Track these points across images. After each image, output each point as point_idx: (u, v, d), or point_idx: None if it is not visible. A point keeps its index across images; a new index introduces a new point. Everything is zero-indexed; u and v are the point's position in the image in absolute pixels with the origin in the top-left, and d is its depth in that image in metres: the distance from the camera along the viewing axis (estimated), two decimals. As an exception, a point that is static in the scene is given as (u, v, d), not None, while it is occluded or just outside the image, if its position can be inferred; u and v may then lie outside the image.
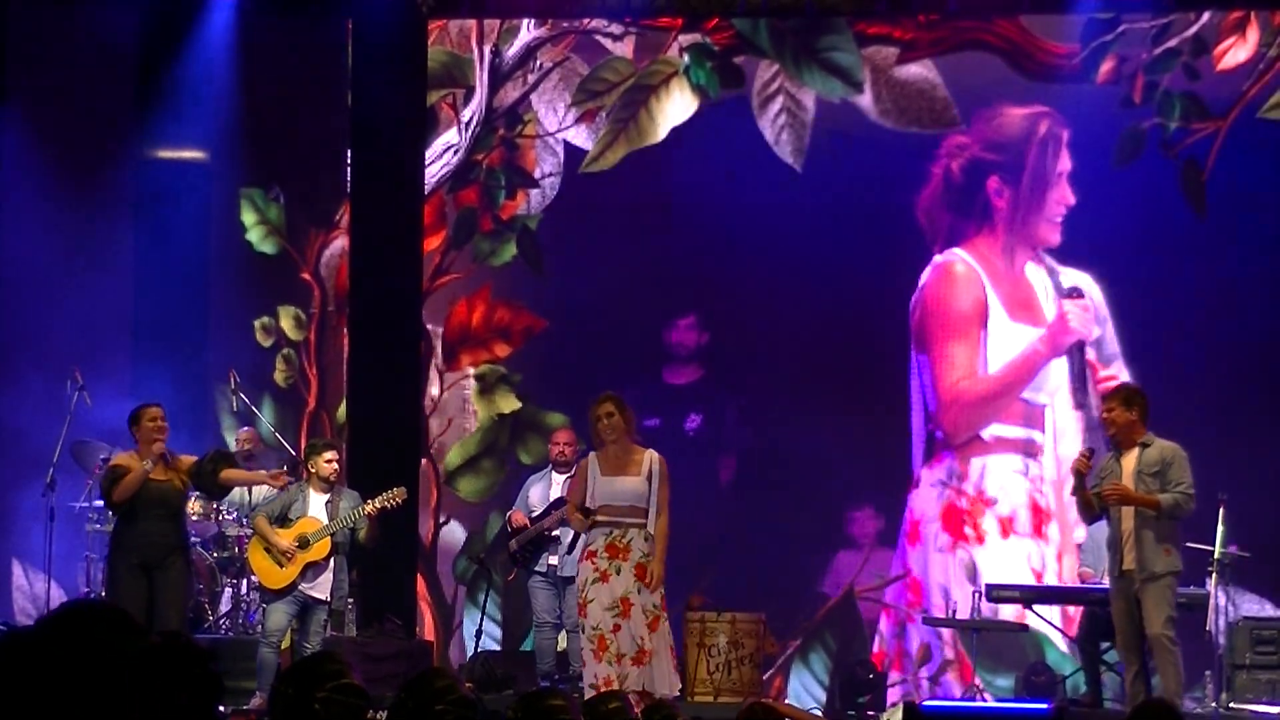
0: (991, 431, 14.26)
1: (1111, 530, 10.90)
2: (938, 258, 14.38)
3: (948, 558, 14.17)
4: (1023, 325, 14.25)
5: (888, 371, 14.42)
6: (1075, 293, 14.11)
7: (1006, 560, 13.98)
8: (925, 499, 14.29)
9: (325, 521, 11.82)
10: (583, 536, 10.77)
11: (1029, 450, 14.18)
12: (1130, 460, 10.83)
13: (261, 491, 13.20)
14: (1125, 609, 10.86)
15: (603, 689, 9.75)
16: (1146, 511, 10.72)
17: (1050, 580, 13.74)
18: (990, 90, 14.38)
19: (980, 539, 14.17)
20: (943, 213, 14.39)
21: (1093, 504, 10.92)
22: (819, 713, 13.26)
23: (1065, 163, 14.24)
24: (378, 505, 11.84)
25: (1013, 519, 14.13)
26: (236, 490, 13.56)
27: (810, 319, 14.37)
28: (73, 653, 2.78)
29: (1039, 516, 14.15)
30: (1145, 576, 10.74)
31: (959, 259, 14.37)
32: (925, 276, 14.38)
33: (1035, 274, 14.28)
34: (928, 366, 14.38)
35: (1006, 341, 14.27)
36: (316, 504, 11.93)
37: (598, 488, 10.52)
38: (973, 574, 13.95)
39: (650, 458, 10.53)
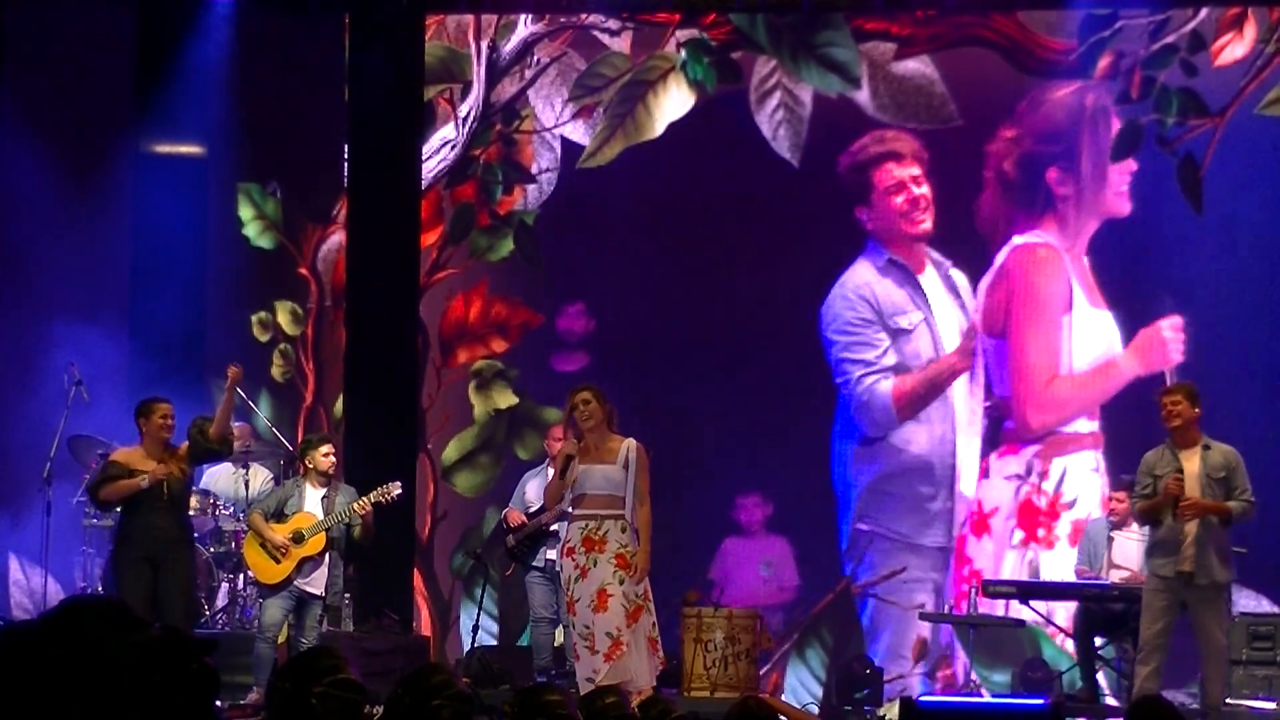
0: (1072, 426, 14.24)
1: (1166, 531, 10.73)
2: (1017, 239, 14.30)
3: (1020, 553, 14.13)
4: (1102, 310, 14.18)
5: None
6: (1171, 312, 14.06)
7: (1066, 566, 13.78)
8: (998, 491, 14.25)
9: (321, 516, 11.81)
10: (562, 530, 10.69)
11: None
12: (1194, 462, 10.67)
13: (257, 486, 13.20)
14: (1167, 609, 10.72)
15: (594, 685, 9.75)
16: (1211, 518, 10.65)
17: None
18: (987, 86, 14.37)
19: (1050, 543, 14.14)
20: (1003, 212, 14.34)
21: (1161, 513, 10.80)
22: (815, 709, 13.27)
23: (1108, 136, 14.23)
24: (372, 500, 11.83)
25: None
26: (233, 486, 13.58)
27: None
28: (72, 648, 2.78)
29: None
30: (1208, 583, 10.68)
31: (1041, 241, 14.30)
32: (1003, 258, 14.30)
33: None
34: (1003, 351, 14.29)
35: (1090, 330, 14.19)
36: (312, 499, 11.92)
37: (580, 477, 10.33)
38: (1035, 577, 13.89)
39: (628, 446, 10.32)
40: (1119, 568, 12.65)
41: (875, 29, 14.49)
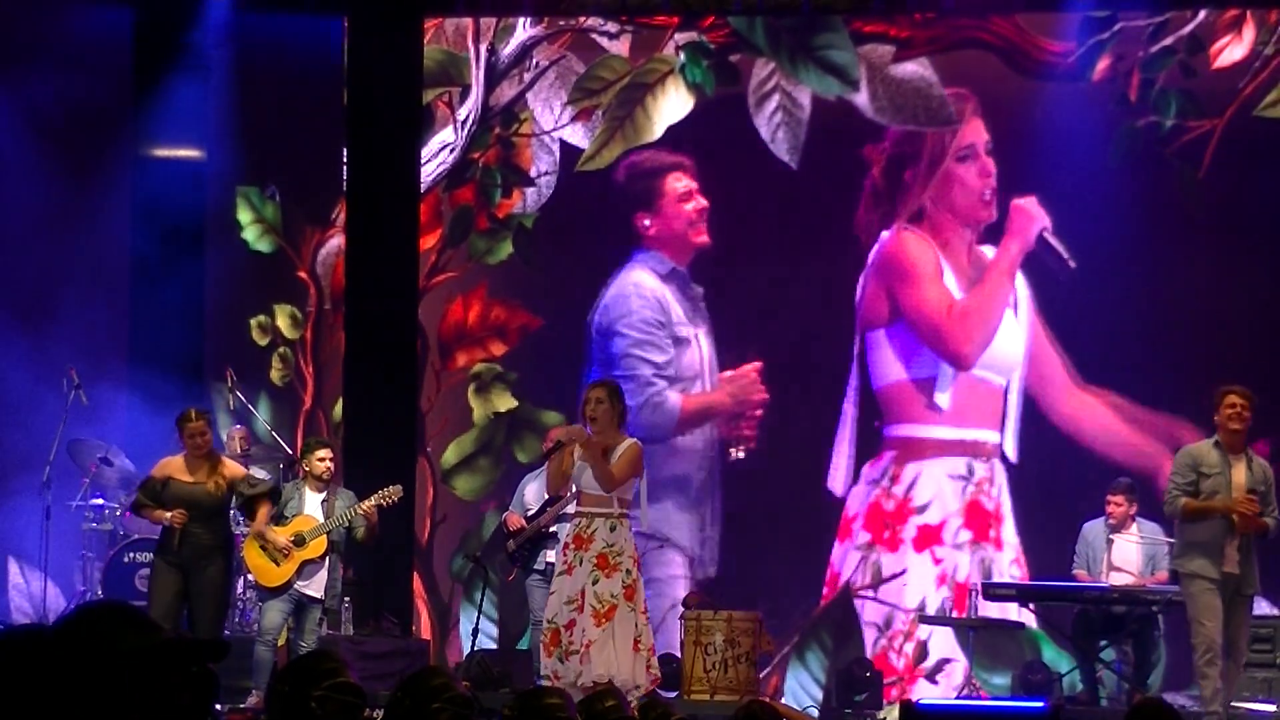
0: (935, 433, 14.28)
1: (1212, 531, 10.71)
2: (884, 234, 14.45)
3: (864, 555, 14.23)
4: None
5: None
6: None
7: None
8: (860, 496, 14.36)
9: (321, 520, 11.82)
10: (561, 531, 10.74)
11: (976, 452, 14.23)
12: (1240, 471, 10.67)
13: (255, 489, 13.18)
14: (1220, 609, 10.73)
15: (552, 684, 9.75)
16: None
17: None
18: (986, 88, 14.38)
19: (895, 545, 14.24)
20: (877, 221, 14.45)
21: (1211, 514, 10.78)
22: (815, 712, 13.26)
23: (980, 134, 14.29)
24: (373, 503, 11.83)
25: (941, 528, 14.13)
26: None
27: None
28: (85, 651, 2.78)
29: (984, 520, 14.18)
30: (1250, 591, 10.79)
31: (909, 231, 14.43)
32: (872, 255, 14.43)
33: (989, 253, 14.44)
34: (890, 336, 14.39)
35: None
36: (312, 502, 11.93)
37: (576, 472, 10.38)
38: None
39: (624, 444, 10.33)
40: (1119, 570, 12.64)
41: (874, 31, 14.50)
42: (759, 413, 14.47)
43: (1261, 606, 13.22)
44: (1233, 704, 11.65)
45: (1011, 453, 14.21)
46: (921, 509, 14.23)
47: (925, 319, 14.36)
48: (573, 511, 10.53)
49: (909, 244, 14.45)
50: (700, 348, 14.54)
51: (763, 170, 14.50)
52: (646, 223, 14.60)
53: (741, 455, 14.50)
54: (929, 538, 14.12)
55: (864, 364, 14.42)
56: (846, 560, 14.26)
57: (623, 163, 14.62)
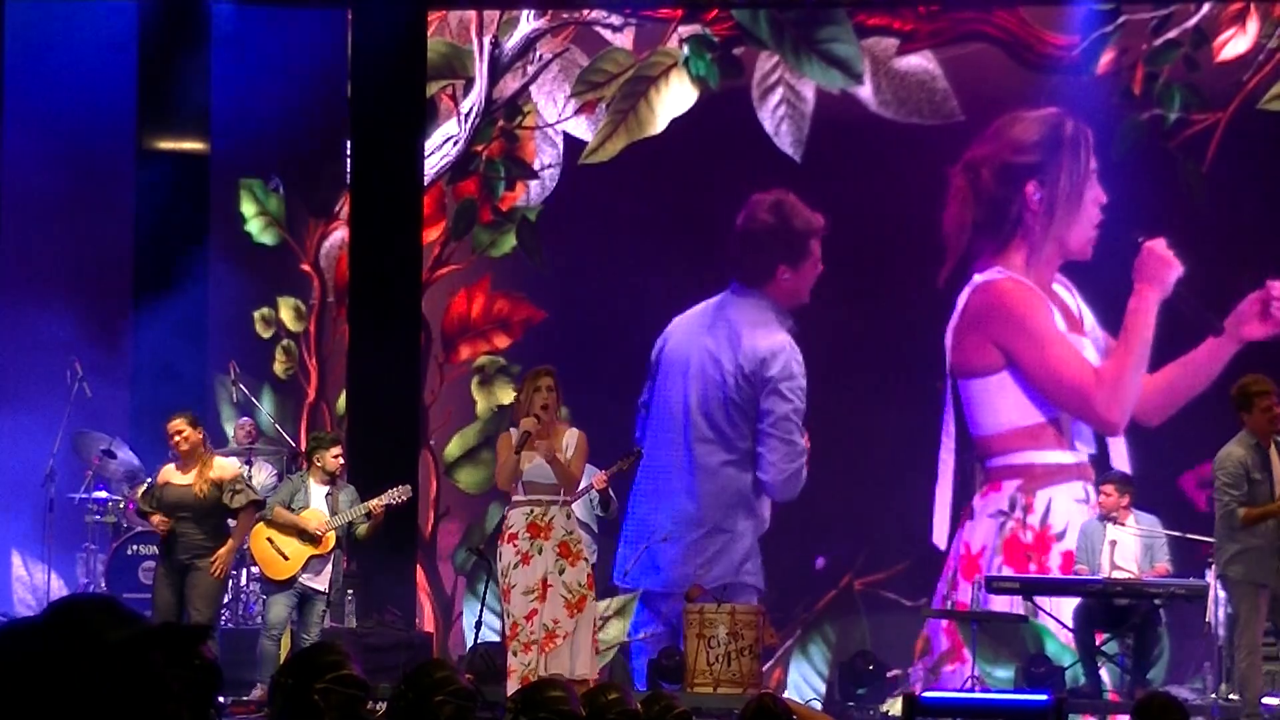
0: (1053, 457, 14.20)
1: (1267, 534, 10.52)
2: (978, 278, 14.29)
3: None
4: (1079, 336, 14.21)
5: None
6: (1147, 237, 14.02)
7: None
8: (984, 529, 14.20)
9: (326, 514, 11.83)
10: (506, 516, 10.39)
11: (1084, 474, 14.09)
12: (1277, 465, 10.54)
13: (260, 482, 13.19)
14: (1265, 612, 10.59)
15: (509, 679, 9.69)
16: None
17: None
18: (990, 82, 14.37)
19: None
20: (969, 226, 14.32)
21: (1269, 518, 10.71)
22: (818, 705, 13.27)
23: (1094, 162, 14.19)
24: (382, 503, 11.83)
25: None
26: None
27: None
28: (68, 644, 2.78)
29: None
30: None
31: (1003, 275, 14.28)
32: (964, 300, 14.29)
33: (1061, 292, 14.27)
34: (999, 387, 14.24)
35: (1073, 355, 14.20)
36: (318, 496, 11.94)
37: (523, 464, 10.14)
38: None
39: (572, 434, 10.23)
40: (1120, 569, 12.63)
41: (877, 25, 14.48)
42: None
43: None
44: (1235, 696, 11.65)
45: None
46: (1059, 536, 14.11)
47: (1065, 385, 14.10)
48: (520, 498, 10.22)
49: (1008, 289, 14.22)
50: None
51: (767, 163, 14.49)
52: (786, 276, 14.49)
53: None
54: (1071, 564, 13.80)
55: (959, 411, 14.24)
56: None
57: (774, 199, 14.42)
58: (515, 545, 10.09)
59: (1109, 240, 14.08)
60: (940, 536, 14.16)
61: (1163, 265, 13.96)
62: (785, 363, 14.37)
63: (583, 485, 11.52)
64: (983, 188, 14.28)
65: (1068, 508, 13.99)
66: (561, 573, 9.99)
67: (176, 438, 11.28)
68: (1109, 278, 14.09)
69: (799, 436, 14.35)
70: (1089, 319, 14.17)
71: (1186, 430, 13.60)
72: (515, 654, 10.05)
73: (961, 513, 14.21)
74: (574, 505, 10.33)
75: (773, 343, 14.40)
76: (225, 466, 11.55)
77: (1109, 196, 14.08)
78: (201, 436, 11.44)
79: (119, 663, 2.73)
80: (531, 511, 10.11)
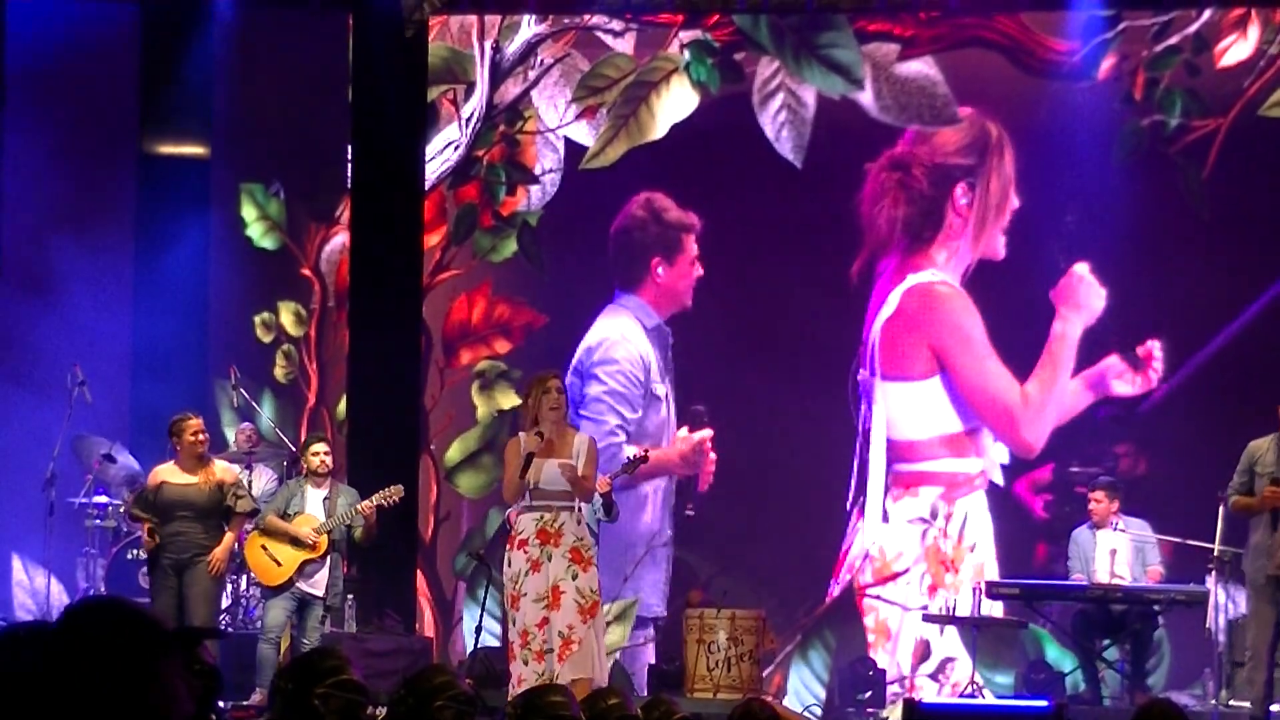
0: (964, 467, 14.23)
1: (1261, 530, 10.63)
2: (913, 279, 14.29)
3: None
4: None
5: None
6: (1071, 264, 14.07)
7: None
8: (902, 536, 14.23)
9: (322, 518, 11.84)
10: (514, 519, 10.20)
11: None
12: None
13: (260, 487, 13.19)
14: (1270, 615, 10.59)
15: (517, 689, 9.37)
16: None
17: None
18: (991, 88, 14.38)
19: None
20: (894, 221, 14.34)
21: (1254, 511, 10.66)
22: (818, 711, 13.27)
23: (1010, 163, 14.23)
24: (374, 503, 11.83)
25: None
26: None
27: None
28: (80, 646, 2.79)
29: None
30: None
31: (938, 279, 14.29)
32: (897, 299, 14.28)
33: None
34: (922, 391, 14.26)
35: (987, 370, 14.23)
36: (314, 500, 11.94)
37: (534, 469, 9.95)
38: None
39: (581, 439, 10.10)
40: (1117, 578, 12.62)
41: (878, 30, 14.49)
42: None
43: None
44: (1235, 703, 11.66)
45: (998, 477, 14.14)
46: (973, 548, 14.12)
47: (993, 400, 14.15)
48: (529, 504, 10.03)
49: (945, 294, 14.25)
50: (668, 405, 14.50)
51: (768, 169, 14.49)
52: (660, 270, 14.54)
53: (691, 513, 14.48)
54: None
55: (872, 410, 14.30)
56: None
57: (649, 202, 14.51)
58: (525, 552, 9.93)
59: (1022, 250, 14.13)
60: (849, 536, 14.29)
61: (1090, 292, 14.00)
62: (607, 348, 14.50)
63: None
64: (914, 186, 14.31)
65: (980, 519, 14.03)
66: (574, 579, 9.83)
67: (201, 435, 11.34)
68: (1018, 290, 14.12)
69: (611, 416, 14.38)
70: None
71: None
72: (526, 663, 9.83)
73: (854, 511, 14.22)
74: (579, 510, 10.18)
75: (602, 333, 14.55)
76: (228, 470, 11.63)
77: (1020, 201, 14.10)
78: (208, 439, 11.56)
79: (135, 666, 2.73)
80: (541, 518, 9.95)
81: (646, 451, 10.94)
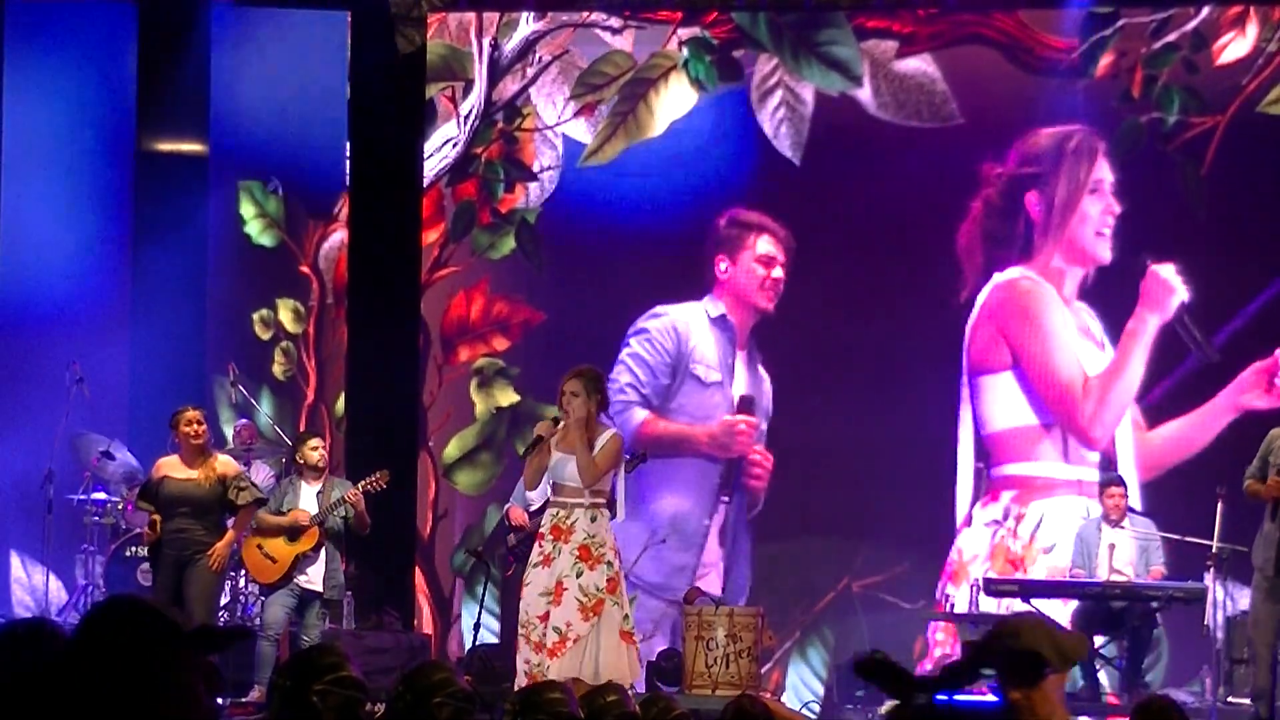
0: (1051, 471, 14.17)
1: (1269, 523, 10.62)
2: (998, 276, 14.31)
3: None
4: (1093, 345, 14.20)
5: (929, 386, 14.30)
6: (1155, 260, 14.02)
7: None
8: (978, 538, 14.20)
9: (314, 511, 11.86)
10: (511, 516, 10.16)
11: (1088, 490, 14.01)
12: None
13: (258, 482, 13.18)
14: (1272, 611, 10.56)
15: (526, 678, 9.47)
16: None
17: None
18: (989, 85, 14.38)
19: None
20: (980, 242, 14.30)
21: (1260, 498, 10.64)
22: (816, 708, 13.27)
23: (1105, 172, 14.16)
24: (360, 488, 11.84)
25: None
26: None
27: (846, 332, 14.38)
28: (105, 646, 2.80)
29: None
30: None
31: (1021, 275, 14.28)
32: (984, 297, 14.28)
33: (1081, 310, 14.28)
34: (1003, 386, 14.24)
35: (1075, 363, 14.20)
36: (307, 496, 11.96)
37: (553, 464, 9.96)
38: None
39: (606, 435, 9.95)
40: (1118, 573, 12.63)
41: (877, 27, 14.49)
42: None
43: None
44: (1234, 699, 11.67)
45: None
46: (1048, 550, 14.11)
47: (1055, 389, 14.14)
48: (551, 499, 10.04)
49: (1027, 288, 14.25)
50: (717, 396, 14.52)
51: (766, 166, 14.49)
52: (723, 267, 14.55)
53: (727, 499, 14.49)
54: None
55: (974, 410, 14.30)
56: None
57: (727, 212, 14.52)
58: (540, 546, 9.95)
59: (1117, 254, 14.09)
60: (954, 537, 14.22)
61: (1165, 291, 13.98)
62: (649, 320, 14.61)
63: None
64: (990, 202, 14.29)
65: (1061, 522, 13.96)
66: (579, 576, 9.76)
67: (197, 427, 11.24)
68: (1116, 292, 14.10)
69: (624, 374, 14.52)
70: (1097, 330, 14.18)
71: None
72: (532, 652, 9.80)
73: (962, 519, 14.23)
74: (599, 508, 10.10)
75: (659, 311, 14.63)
76: (229, 464, 11.53)
77: (1121, 207, 14.10)
78: (207, 430, 11.49)
79: (156, 667, 2.74)
80: (557, 514, 9.93)
81: (645, 452, 10.92)
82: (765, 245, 14.53)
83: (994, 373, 14.30)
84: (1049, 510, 14.06)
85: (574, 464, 9.89)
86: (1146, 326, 14.03)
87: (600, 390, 10.05)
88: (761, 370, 14.55)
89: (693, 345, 14.56)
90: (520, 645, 9.93)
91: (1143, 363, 14.05)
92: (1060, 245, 14.17)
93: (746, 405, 14.52)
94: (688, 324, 14.58)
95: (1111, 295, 14.14)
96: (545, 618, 9.81)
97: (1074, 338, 14.17)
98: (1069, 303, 14.19)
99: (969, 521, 14.18)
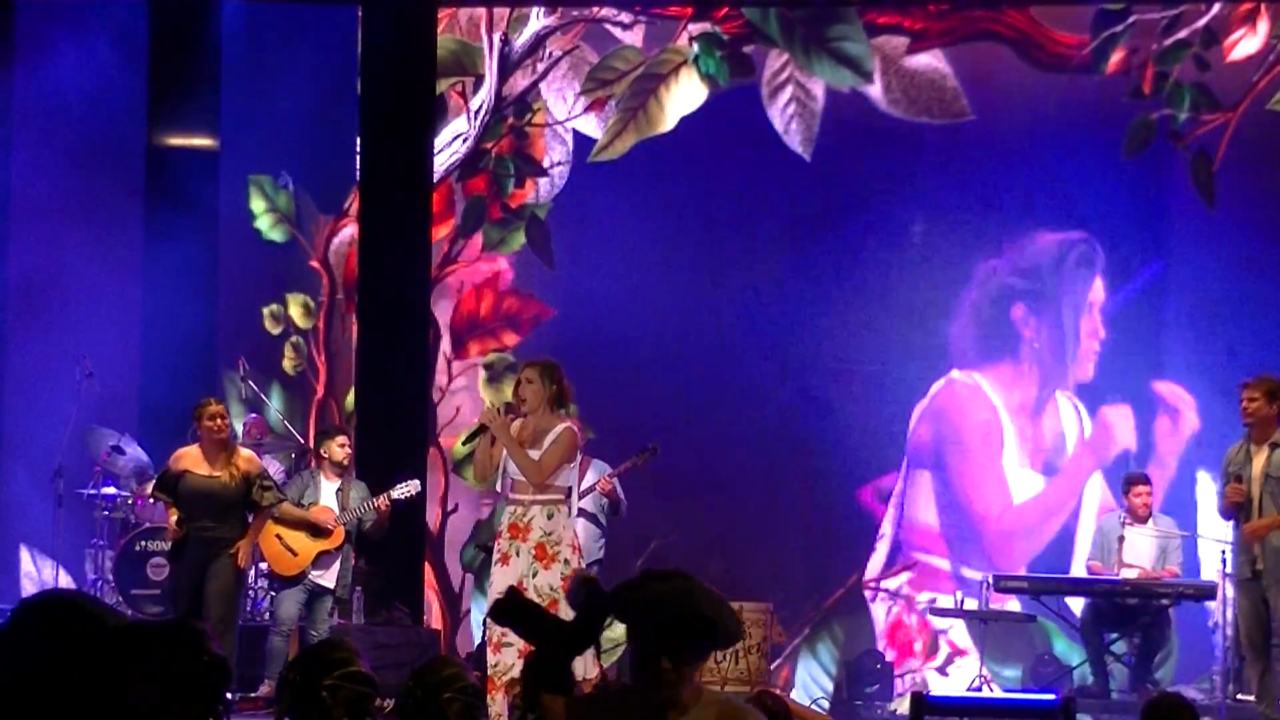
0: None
1: (1239, 534, 10.62)
2: (955, 373, 14.28)
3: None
4: (1032, 472, 14.18)
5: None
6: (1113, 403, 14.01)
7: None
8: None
9: (336, 510, 11.84)
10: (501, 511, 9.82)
11: None
12: (1260, 459, 10.45)
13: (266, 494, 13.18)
14: (1252, 610, 10.50)
15: (500, 677, 9.33)
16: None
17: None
18: (1000, 81, 14.36)
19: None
20: (969, 339, 14.32)
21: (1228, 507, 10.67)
22: (826, 704, 13.27)
23: (1098, 293, 14.15)
24: (391, 497, 11.83)
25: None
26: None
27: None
28: (39, 641, 2.79)
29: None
30: (1272, 581, 10.40)
31: (971, 382, 14.25)
32: (936, 389, 14.29)
33: (1064, 407, 14.21)
34: (930, 486, 14.26)
35: (1020, 482, 14.21)
36: (328, 492, 11.96)
37: (504, 460, 9.64)
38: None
39: (557, 430, 9.56)
40: (1129, 566, 12.64)
41: (887, 23, 14.48)
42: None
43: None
44: (1242, 697, 11.65)
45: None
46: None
47: (973, 507, 14.16)
48: (508, 496, 9.70)
49: (970, 401, 14.23)
50: None
51: (777, 161, 14.49)
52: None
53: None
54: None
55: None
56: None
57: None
58: (499, 545, 9.67)
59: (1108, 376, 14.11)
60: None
61: (1110, 436, 14.00)
62: None
63: (586, 484, 11.44)
64: (980, 307, 14.30)
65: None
66: (534, 576, 9.48)
67: (220, 421, 11.04)
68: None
69: None
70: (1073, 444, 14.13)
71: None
72: (494, 652, 9.58)
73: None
74: (582, 504, 9.98)
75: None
76: (252, 460, 11.30)
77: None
78: (229, 423, 11.35)
79: (85, 661, 2.73)
80: (514, 511, 9.64)
81: (655, 445, 10.84)
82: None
83: (924, 468, 14.29)
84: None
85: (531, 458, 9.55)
86: (1083, 467, 14.06)
87: (557, 380, 9.66)
88: None
89: None
90: (489, 648, 9.73)
91: (1071, 500, 14.01)
92: (1044, 365, 14.16)
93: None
94: None
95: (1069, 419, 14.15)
96: None
97: (1012, 459, 14.15)
98: (1024, 417, 14.17)
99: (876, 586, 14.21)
